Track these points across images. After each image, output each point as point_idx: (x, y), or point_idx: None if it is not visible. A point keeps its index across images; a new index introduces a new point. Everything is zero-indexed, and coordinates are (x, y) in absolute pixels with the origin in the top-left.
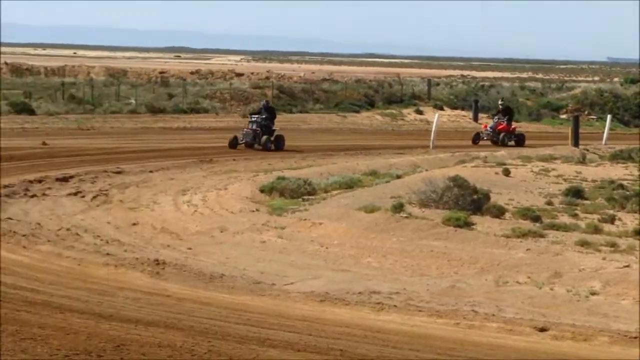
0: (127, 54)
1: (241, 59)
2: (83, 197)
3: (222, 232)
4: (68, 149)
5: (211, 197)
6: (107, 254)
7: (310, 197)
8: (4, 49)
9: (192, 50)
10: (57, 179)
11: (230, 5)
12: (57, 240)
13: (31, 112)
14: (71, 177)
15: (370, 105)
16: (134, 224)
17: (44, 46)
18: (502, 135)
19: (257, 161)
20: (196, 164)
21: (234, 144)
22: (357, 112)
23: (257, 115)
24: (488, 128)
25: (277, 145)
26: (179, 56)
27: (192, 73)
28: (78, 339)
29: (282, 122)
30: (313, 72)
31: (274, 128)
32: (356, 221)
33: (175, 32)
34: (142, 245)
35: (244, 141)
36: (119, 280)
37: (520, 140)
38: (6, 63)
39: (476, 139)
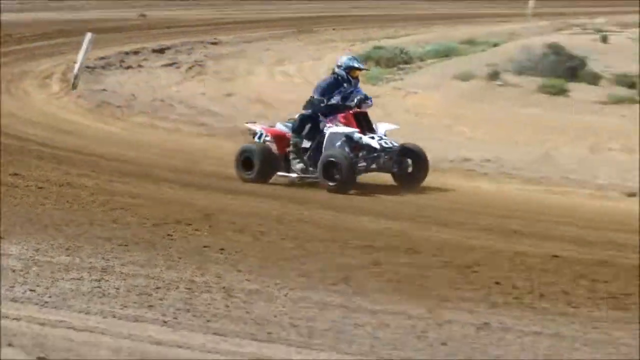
0: None
1: None
2: (178, 68)
3: None
4: (167, 20)
5: (306, 67)
6: (201, 124)
7: (406, 65)
8: None
9: None
10: (153, 50)
11: None
12: (151, 111)
13: None
14: (167, 48)
15: None
16: (229, 95)
17: None
18: None
19: (355, 31)
20: (294, 34)
21: None
22: None
23: None
24: None
25: None
26: None
27: None
28: (169, 209)
29: None
30: None
31: None
32: (451, 90)
33: None
34: (236, 115)
35: None
36: (212, 150)
37: None
38: None
39: None
